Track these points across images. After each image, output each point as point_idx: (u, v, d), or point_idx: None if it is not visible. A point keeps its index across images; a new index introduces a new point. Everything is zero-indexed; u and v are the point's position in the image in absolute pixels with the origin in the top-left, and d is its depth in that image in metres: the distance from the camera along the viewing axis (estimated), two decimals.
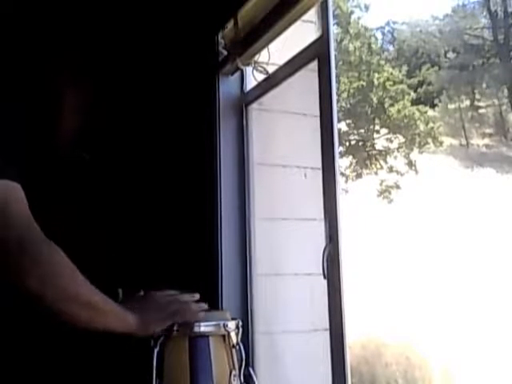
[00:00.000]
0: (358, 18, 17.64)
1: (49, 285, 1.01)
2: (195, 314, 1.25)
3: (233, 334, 1.26)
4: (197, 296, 1.30)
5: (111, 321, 1.14)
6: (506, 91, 22.03)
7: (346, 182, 16.16)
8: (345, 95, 15.67)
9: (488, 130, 22.32)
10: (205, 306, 1.27)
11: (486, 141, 21.73)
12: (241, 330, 1.29)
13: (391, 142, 16.56)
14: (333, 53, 1.58)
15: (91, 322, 1.10)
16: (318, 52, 1.65)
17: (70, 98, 1.34)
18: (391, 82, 15.95)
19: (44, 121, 1.30)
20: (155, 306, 1.24)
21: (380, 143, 16.89)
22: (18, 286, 0.99)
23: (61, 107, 1.33)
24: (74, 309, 1.07)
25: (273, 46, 1.94)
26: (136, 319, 1.16)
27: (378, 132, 16.96)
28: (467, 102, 22.96)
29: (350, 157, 16.63)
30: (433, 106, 20.93)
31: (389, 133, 16.54)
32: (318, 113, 1.64)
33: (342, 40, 15.86)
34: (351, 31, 16.28)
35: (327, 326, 1.53)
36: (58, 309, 1.05)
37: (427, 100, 20.32)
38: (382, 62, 16.65)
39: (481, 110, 22.91)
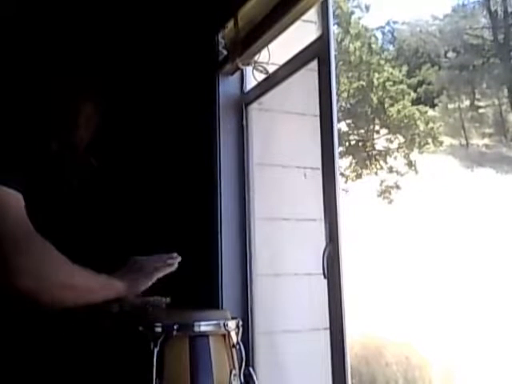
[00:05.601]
0: (359, 18, 17.61)
1: (46, 282, 1.06)
2: (172, 266, 1.43)
3: (233, 334, 1.26)
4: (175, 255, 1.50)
5: (104, 294, 1.26)
6: (506, 91, 21.99)
7: (346, 182, 16.14)
8: (345, 95, 15.66)
9: (488, 130, 22.28)
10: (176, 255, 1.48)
11: (486, 141, 21.69)
12: (241, 329, 1.29)
13: (391, 142, 16.54)
14: (333, 53, 1.59)
15: (88, 302, 1.21)
16: (317, 52, 1.65)
17: (80, 103, 1.37)
18: (391, 82, 15.92)
19: (53, 127, 1.32)
20: (138, 267, 1.41)
21: (380, 143, 16.87)
22: (13, 287, 1.01)
23: (71, 112, 1.35)
24: (72, 298, 1.15)
25: (273, 45, 1.94)
26: (124, 284, 1.31)
27: (377, 132, 16.94)
28: (467, 102, 22.91)
29: (350, 157, 16.60)
30: (433, 105, 20.88)
31: (389, 133, 16.51)
32: (317, 113, 1.64)
33: (342, 40, 15.84)
34: (351, 31, 16.24)
35: (327, 326, 1.53)
36: (57, 301, 1.11)
37: (427, 100, 20.28)
38: (382, 62, 16.60)
39: (481, 110, 22.87)
